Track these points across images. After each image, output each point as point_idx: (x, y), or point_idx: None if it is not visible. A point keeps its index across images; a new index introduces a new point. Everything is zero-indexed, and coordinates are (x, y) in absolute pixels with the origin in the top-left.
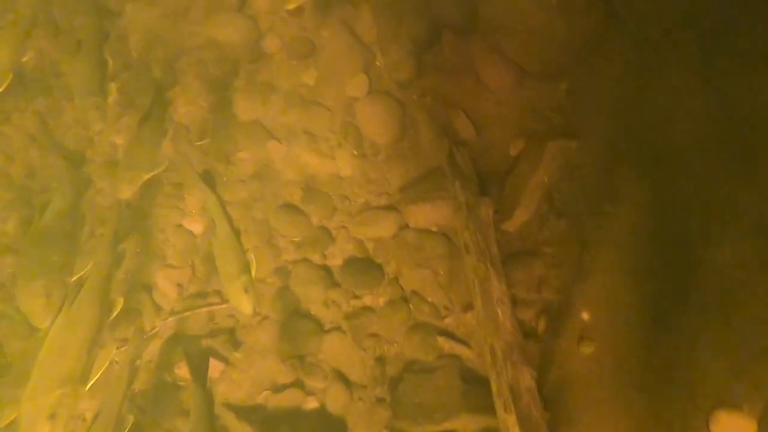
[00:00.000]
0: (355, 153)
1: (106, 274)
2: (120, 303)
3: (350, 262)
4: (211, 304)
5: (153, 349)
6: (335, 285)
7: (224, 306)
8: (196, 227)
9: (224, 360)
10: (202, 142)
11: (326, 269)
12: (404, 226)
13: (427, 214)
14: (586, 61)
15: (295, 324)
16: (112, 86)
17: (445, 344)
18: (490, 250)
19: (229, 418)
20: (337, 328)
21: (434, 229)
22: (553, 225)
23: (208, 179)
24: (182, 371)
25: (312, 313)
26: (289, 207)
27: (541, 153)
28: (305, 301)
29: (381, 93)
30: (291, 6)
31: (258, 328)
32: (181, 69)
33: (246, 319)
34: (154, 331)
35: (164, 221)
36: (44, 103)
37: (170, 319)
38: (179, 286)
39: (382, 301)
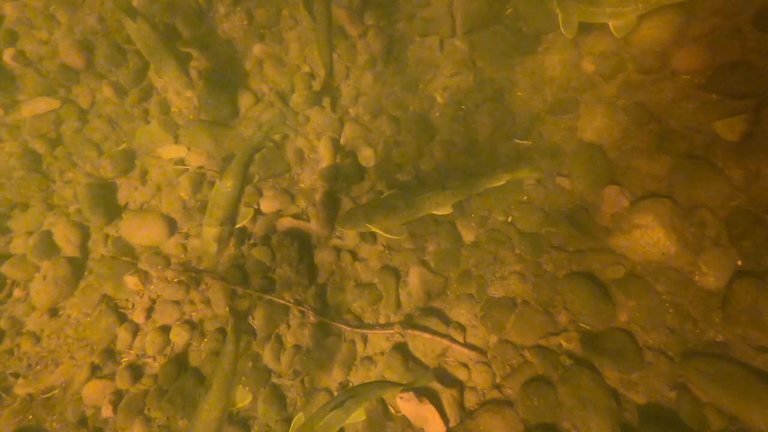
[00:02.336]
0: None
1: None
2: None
3: (658, 419)
4: (450, 338)
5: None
6: None
7: (461, 348)
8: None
9: (445, 420)
10: (524, 141)
11: (616, 398)
12: None
13: None
14: None
15: None
16: None
17: None
18: None
19: None
20: None
21: None
22: None
23: None
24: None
25: None
26: (594, 280)
27: None
28: (563, 419)
29: None
30: None
31: (494, 409)
32: None
33: (483, 382)
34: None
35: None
36: None
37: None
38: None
39: None
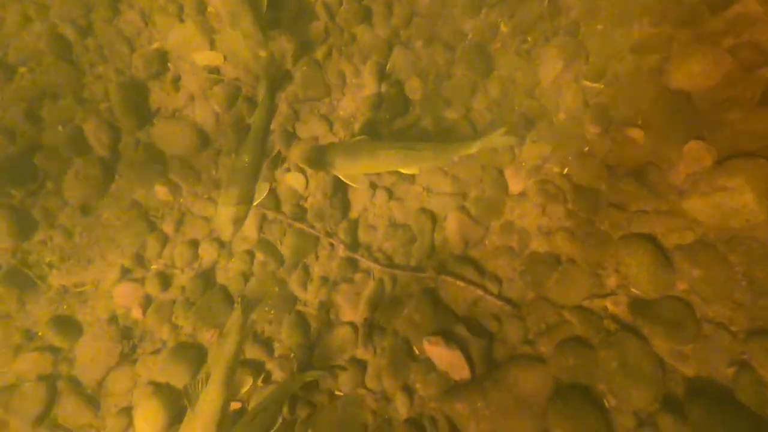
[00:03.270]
0: None
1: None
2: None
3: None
4: (484, 289)
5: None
6: None
7: (495, 300)
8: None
9: (472, 368)
10: (595, 84)
11: (662, 368)
12: None
13: None
14: None
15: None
16: None
17: None
18: None
19: None
20: None
21: None
22: None
23: None
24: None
25: None
26: (655, 243)
27: None
28: (599, 382)
29: None
30: None
31: (524, 363)
32: None
33: (514, 336)
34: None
35: None
36: None
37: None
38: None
39: None
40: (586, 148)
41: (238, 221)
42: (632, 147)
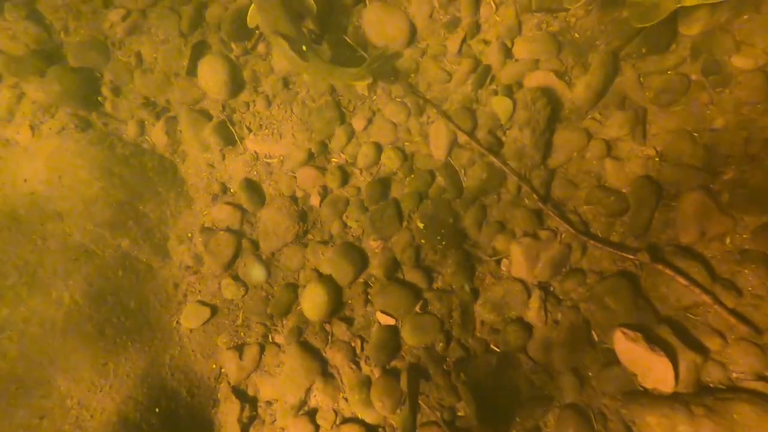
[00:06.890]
0: None
1: None
2: None
3: None
4: (714, 296)
5: None
6: None
7: (726, 314)
8: None
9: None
10: None
11: None
12: None
13: None
14: None
15: None
16: None
17: None
18: None
19: None
20: None
21: None
22: None
23: None
24: None
25: None
26: None
27: None
28: None
29: None
30: None
31: (763, 404)
32: None
33: (742, 365)
34: None
35: None
36: None
37: None
38: None
39: None
40: None
41: None
42: None
